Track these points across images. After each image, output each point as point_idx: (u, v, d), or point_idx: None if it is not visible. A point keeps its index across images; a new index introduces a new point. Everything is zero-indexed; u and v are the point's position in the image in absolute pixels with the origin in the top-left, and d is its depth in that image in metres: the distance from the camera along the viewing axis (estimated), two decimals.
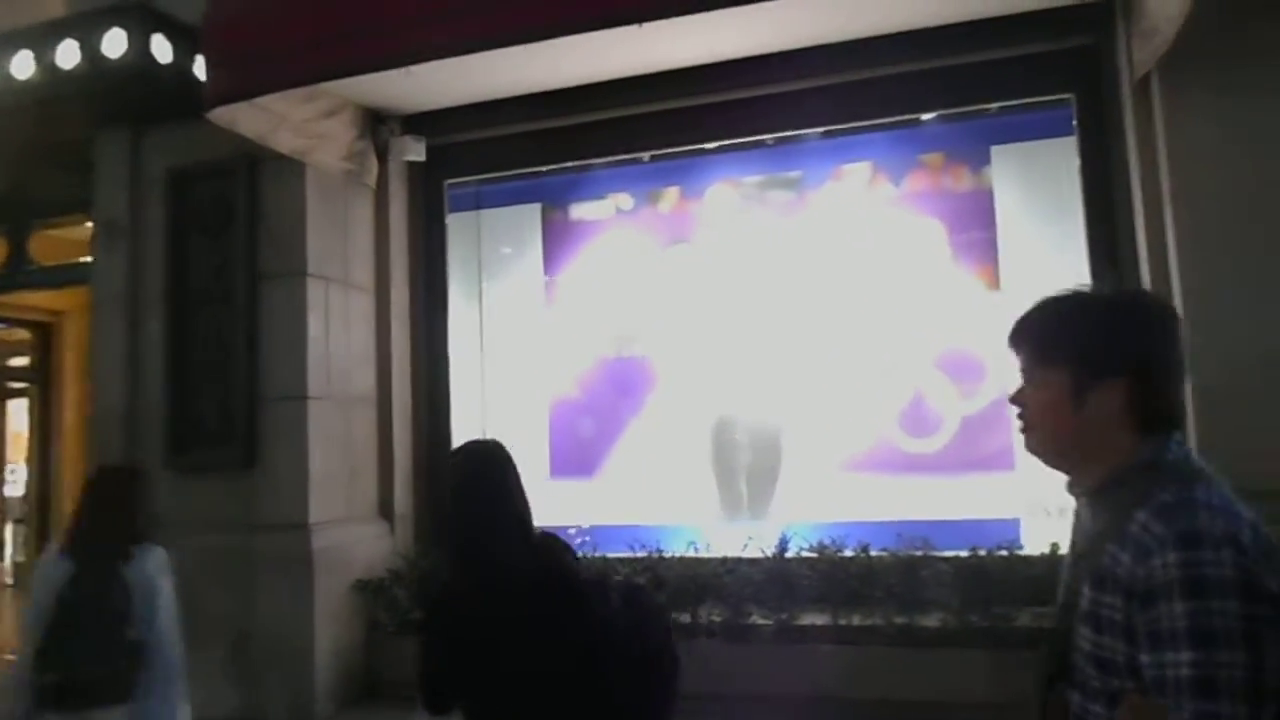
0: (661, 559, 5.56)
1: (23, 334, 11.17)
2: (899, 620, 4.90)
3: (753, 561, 5.44)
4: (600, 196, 6.91)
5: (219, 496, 5.57)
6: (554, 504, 6.55)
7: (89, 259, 6.97)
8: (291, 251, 5.59)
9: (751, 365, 6.47)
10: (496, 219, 7.01)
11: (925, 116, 5.93)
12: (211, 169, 5.77)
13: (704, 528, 6.23)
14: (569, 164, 6.56)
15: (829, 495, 6.20)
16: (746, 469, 6.44)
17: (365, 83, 5.70)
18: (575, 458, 6.79)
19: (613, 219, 6.88)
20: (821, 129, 6.14)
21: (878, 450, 6.17)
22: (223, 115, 4.92)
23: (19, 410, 13.45)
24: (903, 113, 5.95)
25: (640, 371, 6.69)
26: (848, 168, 6.37)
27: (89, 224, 6.91)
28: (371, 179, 6.10)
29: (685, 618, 5.32)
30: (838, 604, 5.03)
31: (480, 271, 6.99)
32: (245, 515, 5.50)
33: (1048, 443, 1.51)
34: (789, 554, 5.31)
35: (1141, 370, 1.42)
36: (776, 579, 5.14)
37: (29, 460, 11.27)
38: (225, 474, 5.57)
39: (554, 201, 6.97)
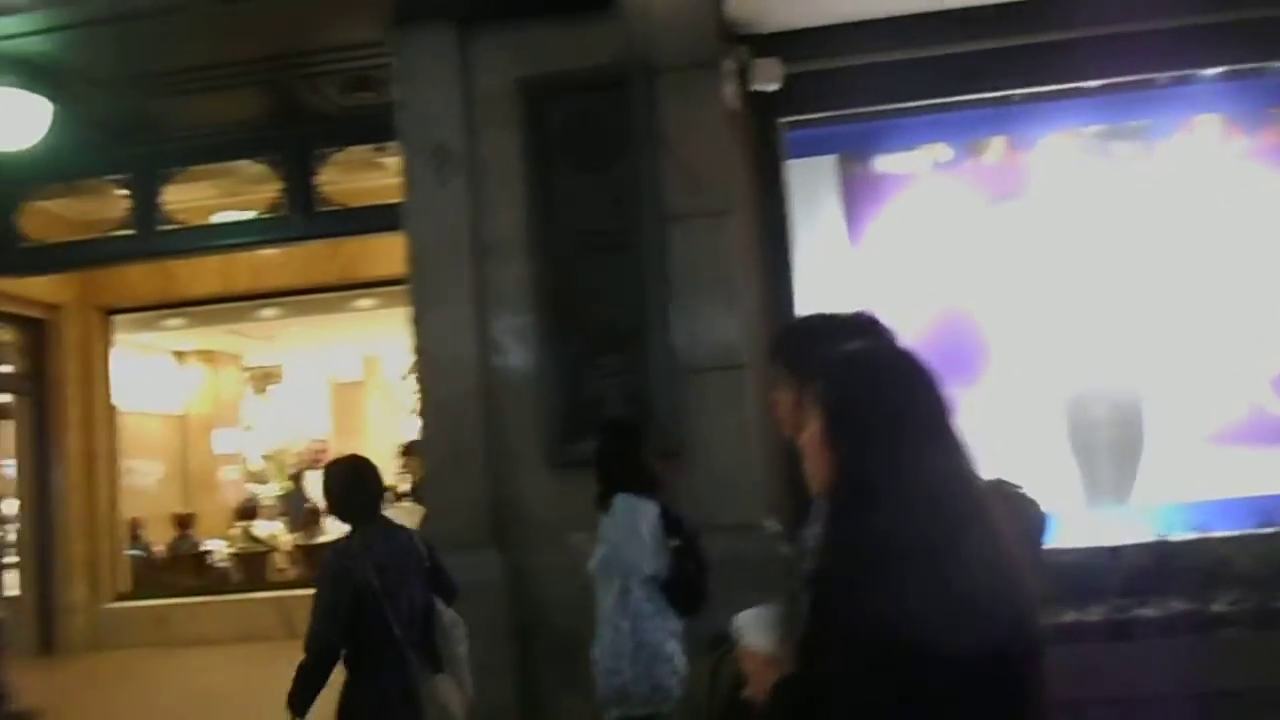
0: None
1: (6, 334, 8.91)
2: None
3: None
4: (910, 147, 6.12)
5: None
6: None
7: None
8: (714, 185, 4.47)
9: (1101, 333, 5.86)
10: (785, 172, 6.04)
11: None
12: (585, 82, 4.53)
13: (1060, 514, 5.55)
14: (927, 101, 5.70)
15: (1197, 471, 5.70)
16: (1108, 447, 5.81)
17: None
18: None
19: (926, 172, 6.11)
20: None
21: (1251, 419, 5.74)
22: None
23: None
24: None
25: (970, 344, 5.92)
26: (1200, 118, 5.94)
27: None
28: (734, 105, 5.03)
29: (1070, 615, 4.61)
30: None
31: None
32: None
33: None
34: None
35: None
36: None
37: (21, 494, 8.94)
38: None
39: (855, 153, 6.10)
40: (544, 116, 4.57)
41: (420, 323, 4.57)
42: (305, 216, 5.74)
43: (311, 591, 3.21)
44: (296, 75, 5.16)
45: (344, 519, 3.33)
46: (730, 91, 5.00)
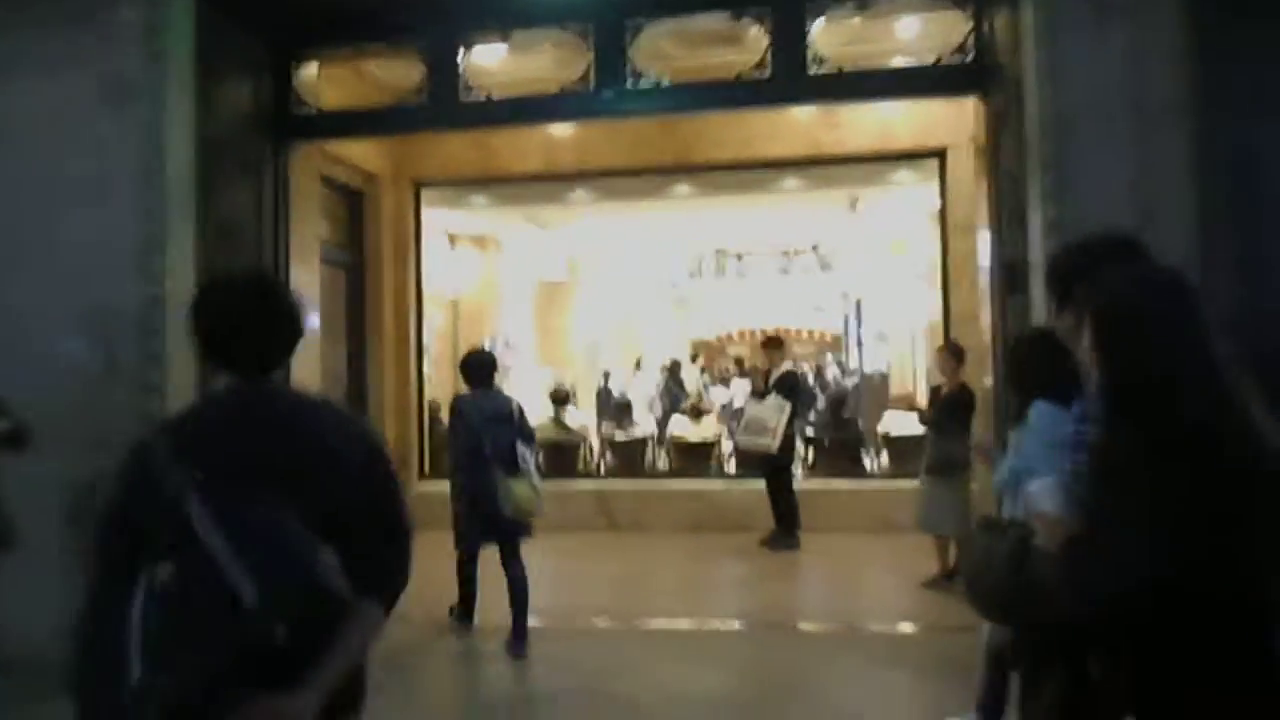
0: None
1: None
2: None
3: None
4: None
5: None
6: None
7: None
8: None
9: None
10: None
11: None
12: None
13: None
14: None
15: None
16: None
17: None
18: None
19: None
20: None
21: None
22: None
23: None
24: None
25: None
26: None
27: None
28: None
29: None
30: None
31: None
32: None
33: None
34: None
35: None
36: None
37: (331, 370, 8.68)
38: None
39: None
40: None
41: (1062, 195, 4.06)
42: (791, 79, 5.22)
43: None
44: None
45: (469, 383, 5.42)
46: None
